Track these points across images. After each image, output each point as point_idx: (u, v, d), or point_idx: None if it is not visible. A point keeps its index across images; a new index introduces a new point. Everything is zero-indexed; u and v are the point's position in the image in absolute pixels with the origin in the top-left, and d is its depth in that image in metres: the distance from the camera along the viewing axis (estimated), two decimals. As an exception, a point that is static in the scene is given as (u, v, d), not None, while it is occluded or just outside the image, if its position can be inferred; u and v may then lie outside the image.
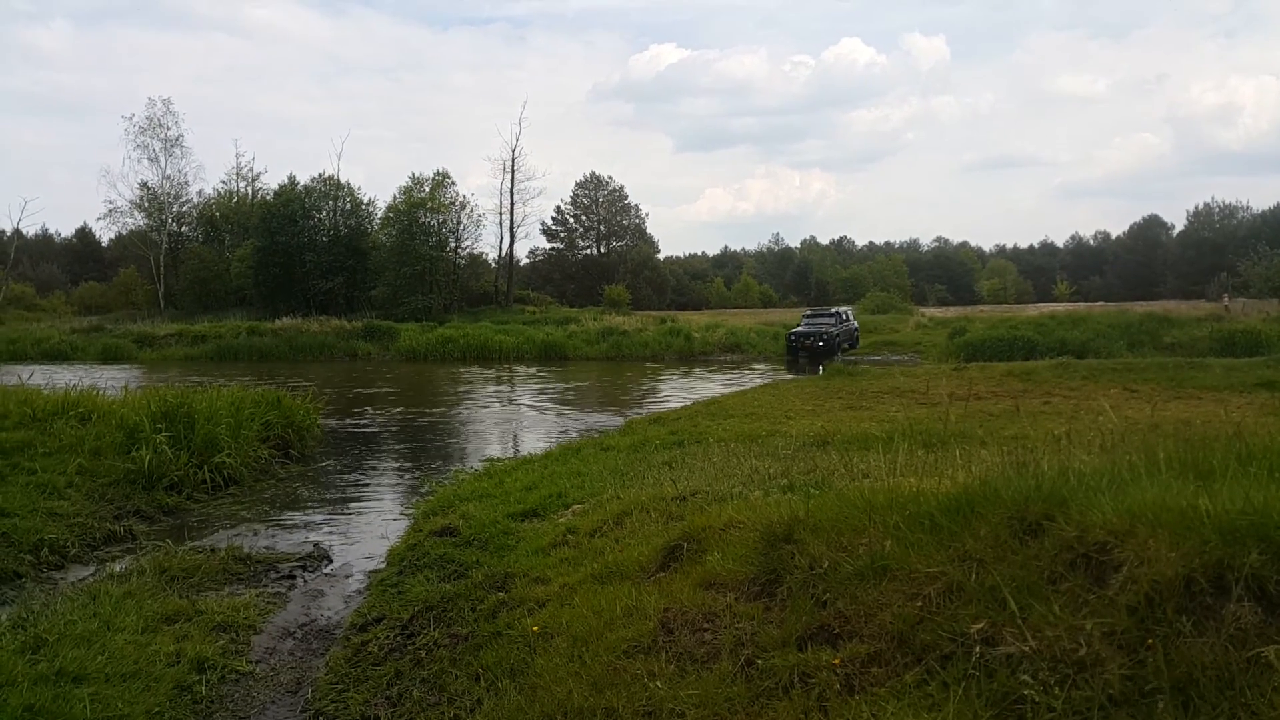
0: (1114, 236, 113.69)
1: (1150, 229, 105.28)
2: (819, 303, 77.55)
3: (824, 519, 4.21)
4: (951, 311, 54.85)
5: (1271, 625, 2.62)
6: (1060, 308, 48.24)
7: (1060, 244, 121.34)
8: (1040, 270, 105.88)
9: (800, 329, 34.78)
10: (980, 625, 3.05)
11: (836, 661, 3.25)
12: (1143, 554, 2.94)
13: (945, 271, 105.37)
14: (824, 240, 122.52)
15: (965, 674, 2.94)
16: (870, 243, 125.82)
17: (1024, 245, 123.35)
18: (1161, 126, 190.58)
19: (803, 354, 32.20)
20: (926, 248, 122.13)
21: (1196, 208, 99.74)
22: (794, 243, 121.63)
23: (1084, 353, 25.48)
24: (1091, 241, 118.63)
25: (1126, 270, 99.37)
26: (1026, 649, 2.88)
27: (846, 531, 3.99)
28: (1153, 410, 9.92)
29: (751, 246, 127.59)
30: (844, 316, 36.55)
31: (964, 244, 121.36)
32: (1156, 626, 2.74)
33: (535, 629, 4.67)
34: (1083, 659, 2.75)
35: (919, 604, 3.31)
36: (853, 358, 31.13)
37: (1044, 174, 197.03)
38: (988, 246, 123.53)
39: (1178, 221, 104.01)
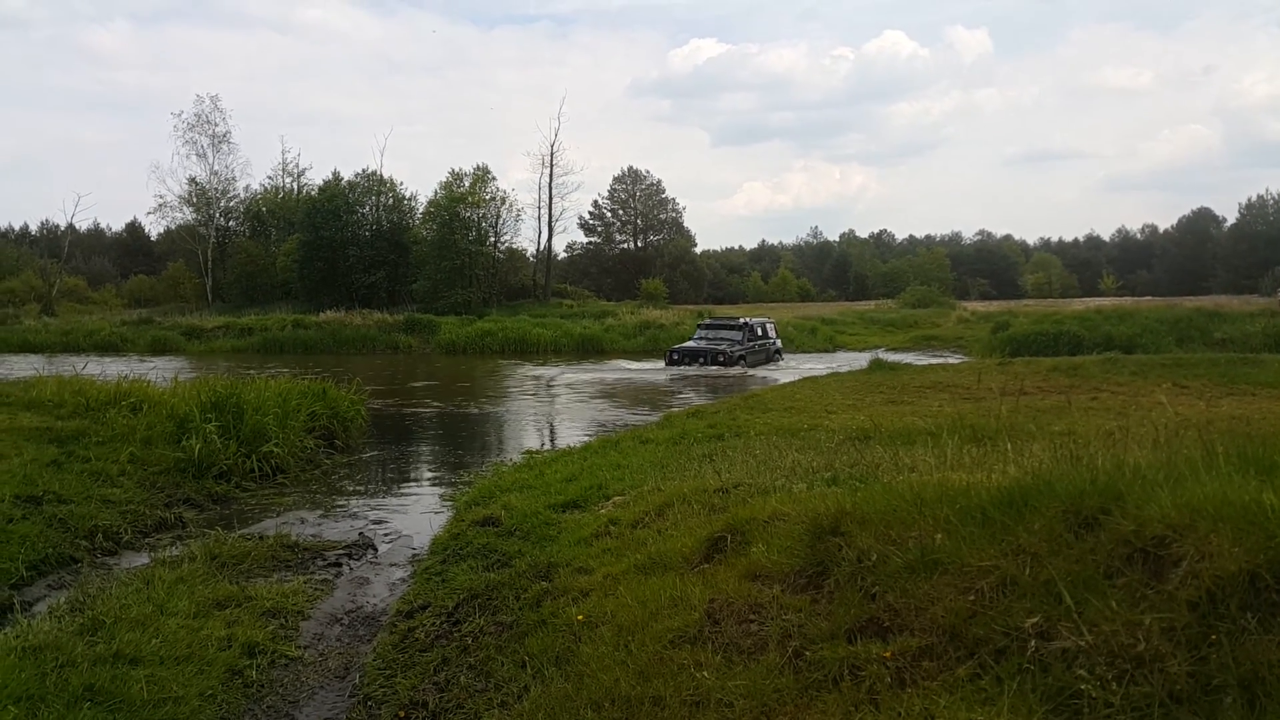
0: (1161, 230, 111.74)
1: (1200, 222, 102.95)
2: (858, 296, 76.57)
3: (871, 512, 4.17)
4: (994, 306, 54.08)
5: (1342, 623, 2.54)
6: (1106, 302, 47.33)
7: (1106, 238, 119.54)
8: (1085, 264, 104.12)
9: (687, 344, 29.00)
10: (1035, 620, 3.00)
11: (887, 654, 3.21)
12: (1204, 549, 2.88)
13: (988, 265, 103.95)
14: (863, 234, 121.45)
15: (1019, 668, 2.89)
16: (910, 236, 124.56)
17: (1069, 239, 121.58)
18: (1210, 118, 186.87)
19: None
20: (969, 241, 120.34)
21: (1249, 200, 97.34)
22: (833, 236, 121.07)
23: (1131, 348, 24.97)
24: (1138, 235, 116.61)
25: (1175, 265, 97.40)
26: (1083, 644, 2.82)
27: (895, 524, 3.95)
28: (1206, 406, 9.69)
29: (789, 240, 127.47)
30: (759, 331, 29.79)
31: (1007, 237, 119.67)
32: (1219, 623, 2.67)
33: (580, 618, 4.69)
34: (1141, 654, 2.69)
35: (971, 598, 3.27)
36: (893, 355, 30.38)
37: (1089, 167, 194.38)
38: (1032, 240, 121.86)
39: (1228, 215, 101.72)
